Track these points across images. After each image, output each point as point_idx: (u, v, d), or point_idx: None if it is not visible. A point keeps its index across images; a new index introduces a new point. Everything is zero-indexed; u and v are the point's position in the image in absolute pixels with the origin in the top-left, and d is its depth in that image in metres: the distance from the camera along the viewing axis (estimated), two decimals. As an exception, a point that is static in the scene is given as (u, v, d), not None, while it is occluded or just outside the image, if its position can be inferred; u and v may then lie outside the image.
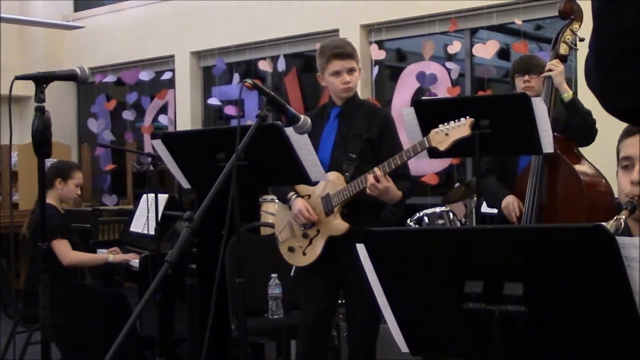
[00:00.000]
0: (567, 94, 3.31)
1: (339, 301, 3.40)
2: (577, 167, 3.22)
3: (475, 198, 3.81)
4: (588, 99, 2.98)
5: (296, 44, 6.76)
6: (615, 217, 1.77)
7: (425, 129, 2.99)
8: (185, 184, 2.94)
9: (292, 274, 3.36)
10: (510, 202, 3.38)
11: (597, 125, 3.34)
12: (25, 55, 8.50)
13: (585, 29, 3.30)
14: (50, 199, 4.13)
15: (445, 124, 2.85)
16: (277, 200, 3.63)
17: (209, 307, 2.13)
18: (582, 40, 3.32)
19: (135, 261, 4.37)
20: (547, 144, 3.00)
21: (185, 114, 7.53)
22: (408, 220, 4.48)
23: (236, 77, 7.12)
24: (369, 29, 6.22)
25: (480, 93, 5.49)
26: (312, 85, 6.68)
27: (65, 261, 4.12)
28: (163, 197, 4.43)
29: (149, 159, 4.17)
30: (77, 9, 8.77)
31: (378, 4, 6.05)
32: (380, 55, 6.17)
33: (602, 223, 1.37)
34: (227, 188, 2.02)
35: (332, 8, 6.30)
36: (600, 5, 1.00)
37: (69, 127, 8.63)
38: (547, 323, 1.41)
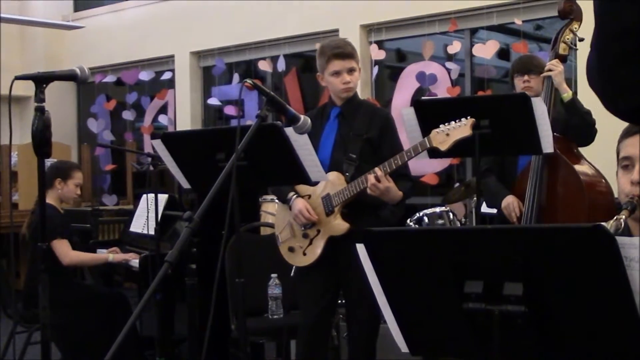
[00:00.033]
0: (566, 94, 3.31)
1: (339, 301, 3.40)
2: (577, 167, 3.22)
3: (475, 198, 3.81)
4: (588, 99, 2.99)
5: (296, 44, 6.76)
6: (615, 217, 1.77)
7: (425, 129, 2.99)
8: (185, 184, 2.94)
9: (292, 274, 3.36)
10: (510, 202, 3.38)
11: (597, 125, 3.34)
12: (25, 55, 8.50)
13: (585, 28, 3.30)
14: (50, 199, 4.12)
15: (446, 124, 2.85)
16: (277, 200, 3.63)
17: (209, 307, 2.13)
18: (581, 40, 3.32)
19: (135, 261, 4.37)
20: (547, 144, 3.00)
21: (185, 114, 7.53)
22: (408, 220, 4.48)
23: (236, 77, 7.12)
24: (369, 29, 6.22)
25: (480, 93, 5.50)
26: (312, 85, 6.68)
27: (65, 261, 4.12)
28: (163, 197, 4.43)
29: (149, 159, 4.17)
30: (77, 9, 8.77)
31: (378, 4, 6.05)
32: (380, 55, 6.17)
33: (602, 223, 1.37)
34: (227, 188, 2.02)
35: (331, 8, 6.30)
36: (602, 5, 1.00)
37: (69, 127, 8.64)
38: (547, 323, 1.41)
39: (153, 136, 7.51)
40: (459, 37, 5.84)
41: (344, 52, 3.14)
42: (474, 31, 5.83)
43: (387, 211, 3.19)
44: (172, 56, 7.62)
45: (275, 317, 3.61)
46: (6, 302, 4.26)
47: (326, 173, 2.95)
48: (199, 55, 7.54)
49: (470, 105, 3.17)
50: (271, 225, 3.97)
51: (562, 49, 3.34)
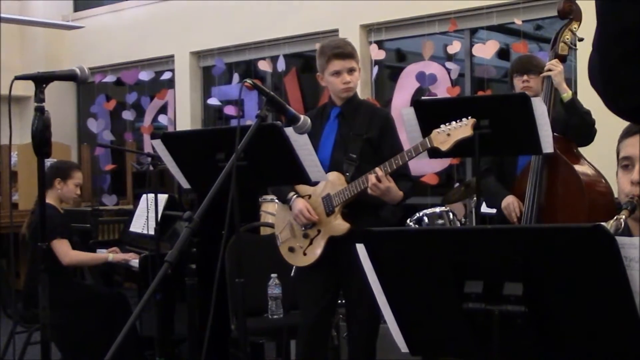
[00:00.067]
0: (566, 94, 3.30)
1: (339, 301, 3.40)
2: (577, 167, 3.22)
3: (475, 198, 3.80)
4: (588, 99, 2.99)
5: (296, 44, 6.76)
6: (615, 217, 1.77)
7: (425, 129, 2.99)
8: (185, 184, 2.94)
9: (292, 274, 3.36)
10: (510, 202, 3.38)
11: (596, 125, 3.34)
12: (25, 55, 8.50)
13: (585, 28, 3.30)
14: (50, 199, 4.12)
15: (447, 124, 2.85)
16: (277, 200, 3.63)
17: (209, 307, 2.13)
18: (581, 40, 3.32)
19: (135, 261, 4.37)
20: (547, 144, 3.00)
21: (185, 114, 7.53)
22: (408, 220, 4.48)
23: (236, 77, 7.12)
24: (369, 29, 6.22)
25: (480, 93, 5.49)
26: (312, 85, 6.68)
27: (65, 261, 4.12)
28: (163, 197, 4.43)
29: (149, 159, 4.17)
30: (77, 9, 8.77)
31: (378, 4, 6.05)
32: (380, 55, 6.17)
33: (602, 223, 1.37)
34: (227, 188, 2.02)
35: (331, 8, 6.30)
36: (603, 6, 1.00)
37: (68, 127, 8.64)
38: (547, 323, 1.41)
39: (153, 136, 7.51)
40: (458, 37, 5.84)
41: (344, 52, 3.14)
42: (473, 31, 5.82)
43: (387, 211, 3.19)
44: (172, 56, 7.62)
45: (275, 317, 3.61)
46: (6, 302, 4.26)
47: (326, 173, 2.95)
48: (198, 55, 7.54)
49: (470, 105, 3.17)
50: (271, 225, 3.97)
51: (561, 48, 3.34)
